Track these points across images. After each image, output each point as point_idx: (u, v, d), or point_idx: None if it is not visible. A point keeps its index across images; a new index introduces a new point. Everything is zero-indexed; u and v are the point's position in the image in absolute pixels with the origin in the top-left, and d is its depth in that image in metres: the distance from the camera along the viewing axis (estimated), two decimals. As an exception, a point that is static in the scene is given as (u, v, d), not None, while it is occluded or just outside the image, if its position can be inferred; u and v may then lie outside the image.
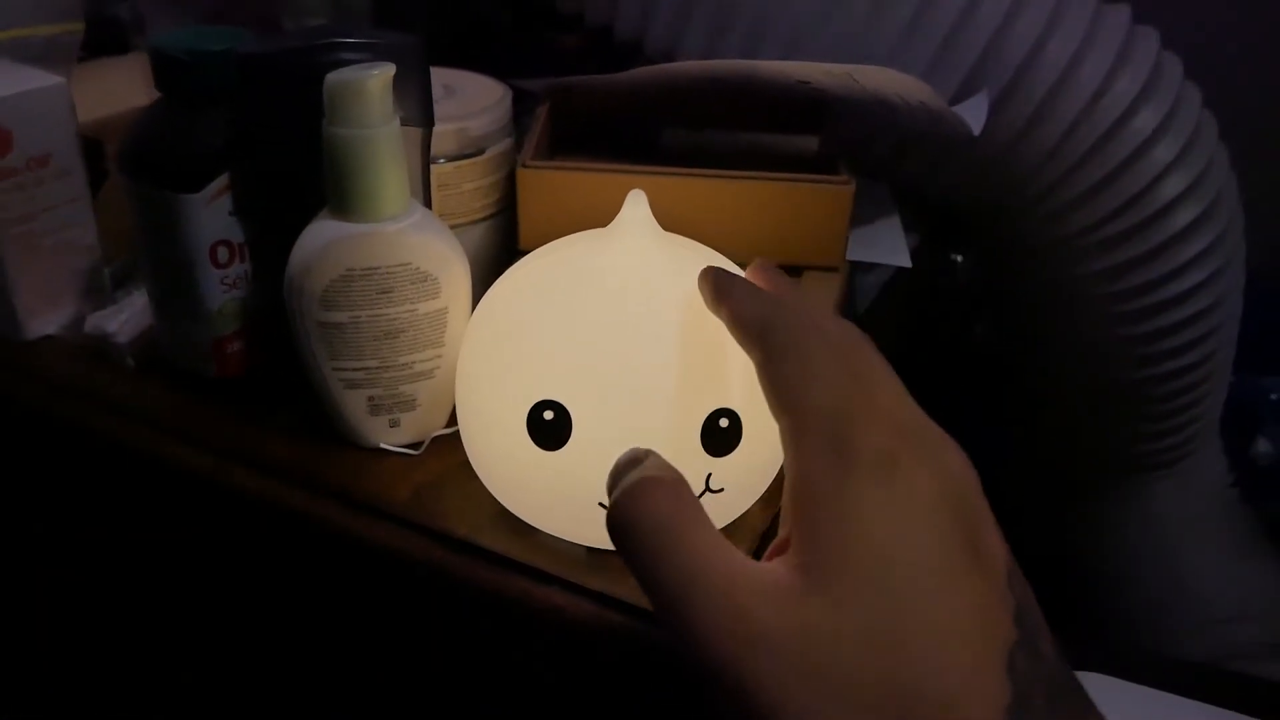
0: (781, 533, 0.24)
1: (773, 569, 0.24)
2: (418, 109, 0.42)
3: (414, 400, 0.44)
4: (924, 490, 0.23)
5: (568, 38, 0.87)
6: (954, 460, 0.25)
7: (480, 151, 0.49)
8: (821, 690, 0.22)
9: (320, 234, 0.39)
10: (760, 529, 0.41)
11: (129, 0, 0.63)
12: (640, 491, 0.25)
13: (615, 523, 0.26)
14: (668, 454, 0.35)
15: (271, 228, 0.43)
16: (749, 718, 0.22)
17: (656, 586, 0.24)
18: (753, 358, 0.28)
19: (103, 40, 0.61)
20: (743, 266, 0.37)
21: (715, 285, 0.31)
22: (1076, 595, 0.81)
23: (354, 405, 0.43)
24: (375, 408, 0.43)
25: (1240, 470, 0.80)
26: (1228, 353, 0.70)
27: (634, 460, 0.27)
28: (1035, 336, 0.72)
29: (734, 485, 0.37)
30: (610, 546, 0.30)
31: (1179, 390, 0.69)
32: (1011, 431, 0.85)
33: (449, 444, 0.43)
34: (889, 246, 0.52)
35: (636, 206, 0.39)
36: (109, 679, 0.65)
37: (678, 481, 0.26)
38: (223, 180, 0.43)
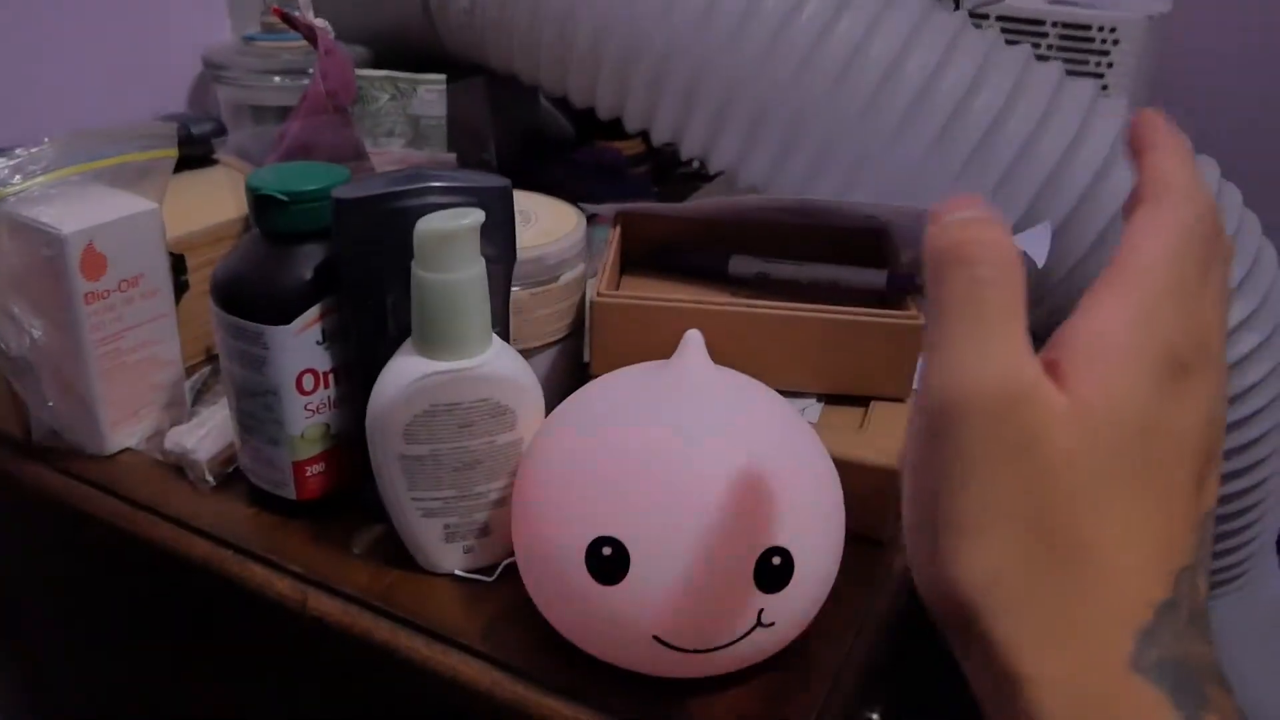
0: (1050, 354, 0.24)
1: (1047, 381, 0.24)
2: (502, 246, 0.44)
3: (488, 527, 0.44)
4: (1193, 409, 0.24)
5: (626, 145, 0.89)
6: (1223, 402, 0.26)
7: (555, 279, 0.51)
8: (1013, 486, 0.23)
9: (405, 371, 0.40)
10: (832, 669, 0.41)
11: (214, 119, 0.65)
12: (988, 238, 0.24)
13: (949, 252, 0.24)
14: (722, 591, 0.36)
15: (358, 359, 0.45)
16: (938, 469, 0.23)
17: (957, 321, 0.23)
18: (1141, 189, 0.26)
19: (188, 156, 0.63)
20: (805, 396, 0.38)
21: (1149, 132, 0.27)
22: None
23: (430, 532, 0.44)
24: (450, 535, 0.44)
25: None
26: (1284, 472, 0.70)
27: (972, 203, 0.25)
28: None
29: (784, 620, 0.38)
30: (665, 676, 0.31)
31: (1235, 513, 0.69)
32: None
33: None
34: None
35: (692, 345, 0.40)
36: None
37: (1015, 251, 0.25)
38: (313, 312, 0.44)
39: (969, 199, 0.25)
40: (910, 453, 0.25)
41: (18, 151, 0.48)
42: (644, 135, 0.92)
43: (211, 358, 0.59)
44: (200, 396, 0.56)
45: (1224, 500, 0.67)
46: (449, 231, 0.38)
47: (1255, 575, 0.75)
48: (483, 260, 0.40)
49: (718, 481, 0.36)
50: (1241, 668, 0.75)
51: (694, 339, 0.39)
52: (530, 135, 0.82)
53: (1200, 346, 0.24)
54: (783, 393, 0.42)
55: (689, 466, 0.36)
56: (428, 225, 0.38)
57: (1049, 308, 0.61)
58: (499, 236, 0.43)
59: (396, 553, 0.46)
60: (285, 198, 0.43)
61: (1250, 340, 0.60)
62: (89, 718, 0.66)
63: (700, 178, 0.91)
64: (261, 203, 0.43)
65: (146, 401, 0.53)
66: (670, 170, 0.91)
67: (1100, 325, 0.24)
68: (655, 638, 0.36)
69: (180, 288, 0.57)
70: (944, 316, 0.24)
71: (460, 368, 0.40)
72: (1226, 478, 0.65)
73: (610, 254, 0.52)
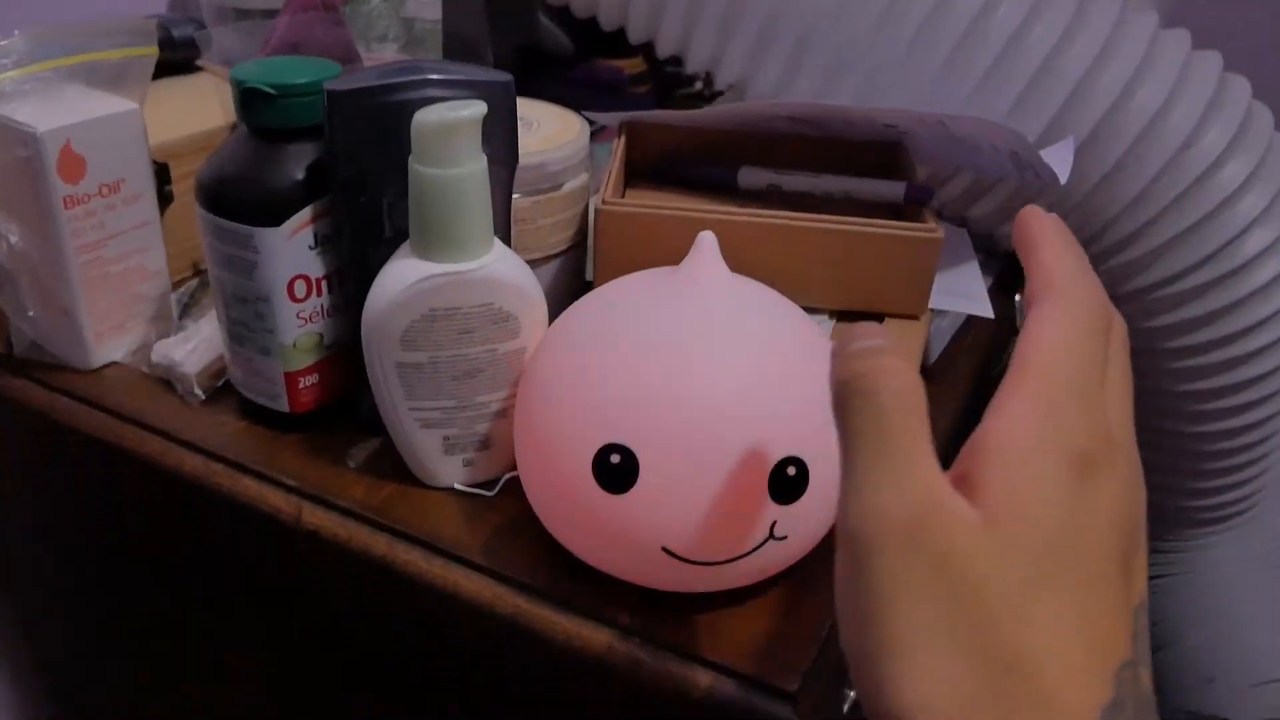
0: (960, 468, 0.25)
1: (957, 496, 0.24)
2: (504, 147, 0.42)
3: (489, 440, 0.43)
4: (1106, 505, 0.24)
5: (627, 64, 0.86)
6: (1139, 489, 0.26)
7: (558, 187, 0.48)
8: (936, 609, 0.23)
9: (402, 273, 0.39)
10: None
11: (198, 21, 0.62)
12: (887, 366, 0.25)
13: (850, 384, 0.25)
14: (734, 501, 0.34)
15: (352, 263, 0.43)
16: (862, 596, 0.23)
17: (863, 451, 0.24)
18: (1031, 289, 0.27)
19: (171, 61, 0.60)
20: (817, 313, 0.36)
21: (1032, 231, 0.29)
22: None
23: (429, 445, 0.42)
24: (450, 447, 0.42)
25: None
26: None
27: (872, 333, 0.26)
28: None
29: (796, 533, 0.36)
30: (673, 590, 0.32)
31: (1240, 447, 0.68)
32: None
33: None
34: (970, 294, 0.50)
35: (706, 247, 0.38)
36: (158, 712, 0.64)
37: (916, 376, 0.25)
38: (304, 214, 0.42)
39: (869, 328, 0.26)
40: (838, 577, 0.25)
41: (-11, 43, 0.46)
42: (646, 53, 0.90)
43: (199, 272, 0.57)
44: (188, 310, 0.54)
45: (1224, 436, 0.66)
46: (450, 122, 0.36)
47: (1259, 513, 0.74)
48: (484, 156, 0.38)
49: (731, 388, 0.34)
50: (1248, 601, 0.75)
51: (708, 240, 0.37)
52: (528, 50, 0.79)
53: (1106, 440, 0.24)
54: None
55: (702, 372, 0.34)
56: (427, 116, 0.36)
57: (1072, 228, 0.59)
58: (500, 135, 0.41)
59: (394, 467, 0.44)
60: (273, 91, 0.41)
61: (1272, 268, 0.58)
62: (77, 641, 0.65)
63: (703, 98, 0.88)
64: (248, 97, 0.41)
65: (132, 314, 0.51)
66: (672, 90, 0.88)
67: (1005, 431, 0.24)
68: (664, 549, 0.35)
69: (165, 198, 0.54)
70: (851, 446, 0.24)
71: (460, 270, 0.38)
72: (1240, 409, 0.64)
73: (615, 163, 0.50)
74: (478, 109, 0.36)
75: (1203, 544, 0.73)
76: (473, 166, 0.37)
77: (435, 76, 0.40)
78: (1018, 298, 0.78)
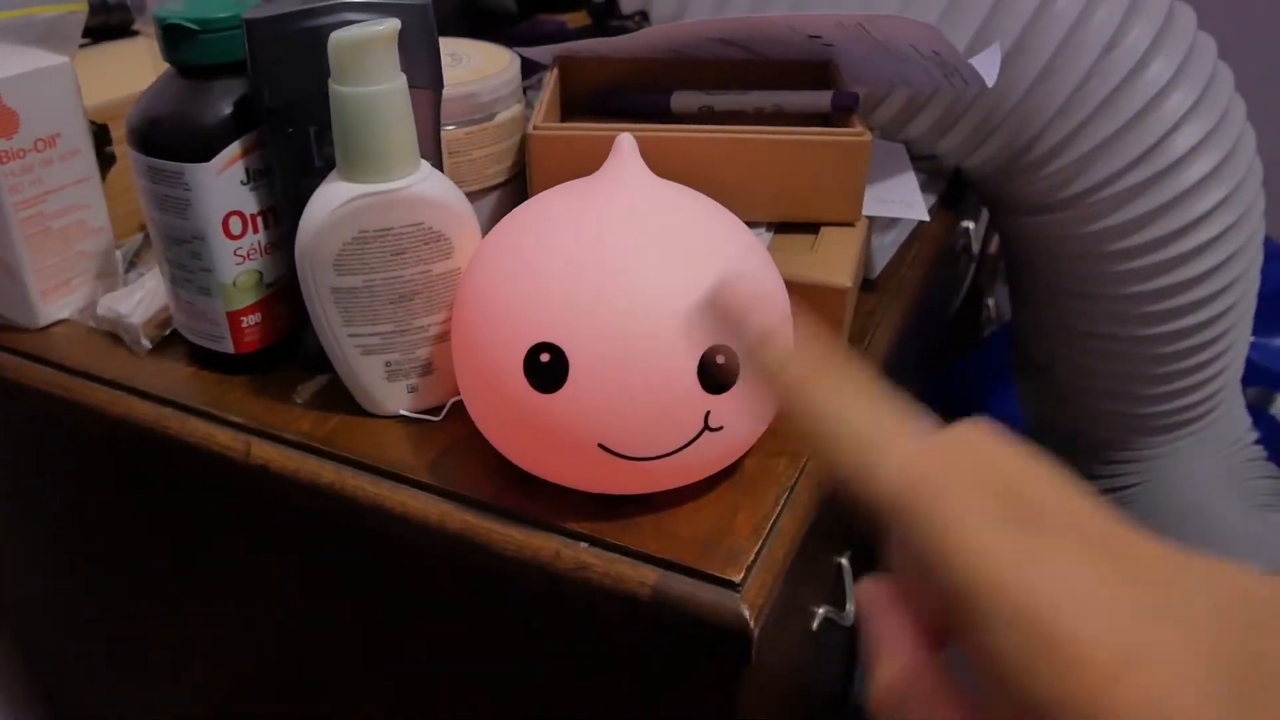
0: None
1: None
2: (427, 71, 0.42)
3: (431, 365, 0.43)
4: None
5: (570, 18, 0.87)
6: None
7: (490, 117, 0.49)
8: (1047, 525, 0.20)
9: (330, 196, 0.39)
10: (787, 483, 0.41)
11: (131, -14, 0.62)
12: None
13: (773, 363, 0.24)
14: (665, 392, 0.35)
15: (285, 196, 0.43)
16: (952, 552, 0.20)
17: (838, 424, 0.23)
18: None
19: (107, 25, 0.60)
20: (756, 225, 0.37)
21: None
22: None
23: (371, 372, 0.43)
24: (392, 373, 0.43)
25: (1263, 429, 0.79)
26: (1245, 310, 0.69)
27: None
28: (1045, 296, 0.71)
29: (733, 423, 0.37)
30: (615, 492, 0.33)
31: (1193, 349, 0.68)
32: (1025, 394, 0.85)
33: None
34: (906, 200, 0.51)
35: (625, 148, 0.38)
36: (126, 663, 0.64)
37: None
38: (234, 149, 0.42)
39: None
40: (903, 557, 0.22)
41: (-88, 2, 0.46)
42: (589, 6, 0.90)
43: (145, 230, 0.58)
44: (133, 266, 0.54)
45: (1176, 337, 0.67)
46: (364, 37, 0.36)
47: (1218, 417, 0.75)
48: (403, 75, 0.38)
49: (655, 279, 0.35)
50: (1205, 510, 0.76)
51: (626, 142, 0.38)
52: (472, 6, 0.79)
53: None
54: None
55: (625, 265, 0.35)
56: (342, 34, 0.36)
57: (1002, 139, 0.60)
58: (421, 57, 0.41)
59: (340, 399, 0.45)
60: (195, 26, 0.41)
61: (1204, 165, 0.59)
62: (41, 598, 0.65)
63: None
64: (171, 33, 0.41)
65: (77, 270, 0.51)
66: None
67: None
68: (600, 445, 0.36)
69: (106, 159, 0.55)
70: (823, 428, 0.23)
71: (388, 188, 0.39)
72: (1187, 309, 0.65)
73: (547, 92, 0.51)
74: (392, 24, 0.37)
75: (1166, 450, 0.74)
76: (391, 84, 0.38)
77: (353, 0, 0.40)
78: (969, 224, 0.79)
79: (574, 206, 0.37)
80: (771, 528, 0.39)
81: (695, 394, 0.35)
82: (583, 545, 0.38)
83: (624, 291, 0.35)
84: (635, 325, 0.34)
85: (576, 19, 0.88)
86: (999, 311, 1.29)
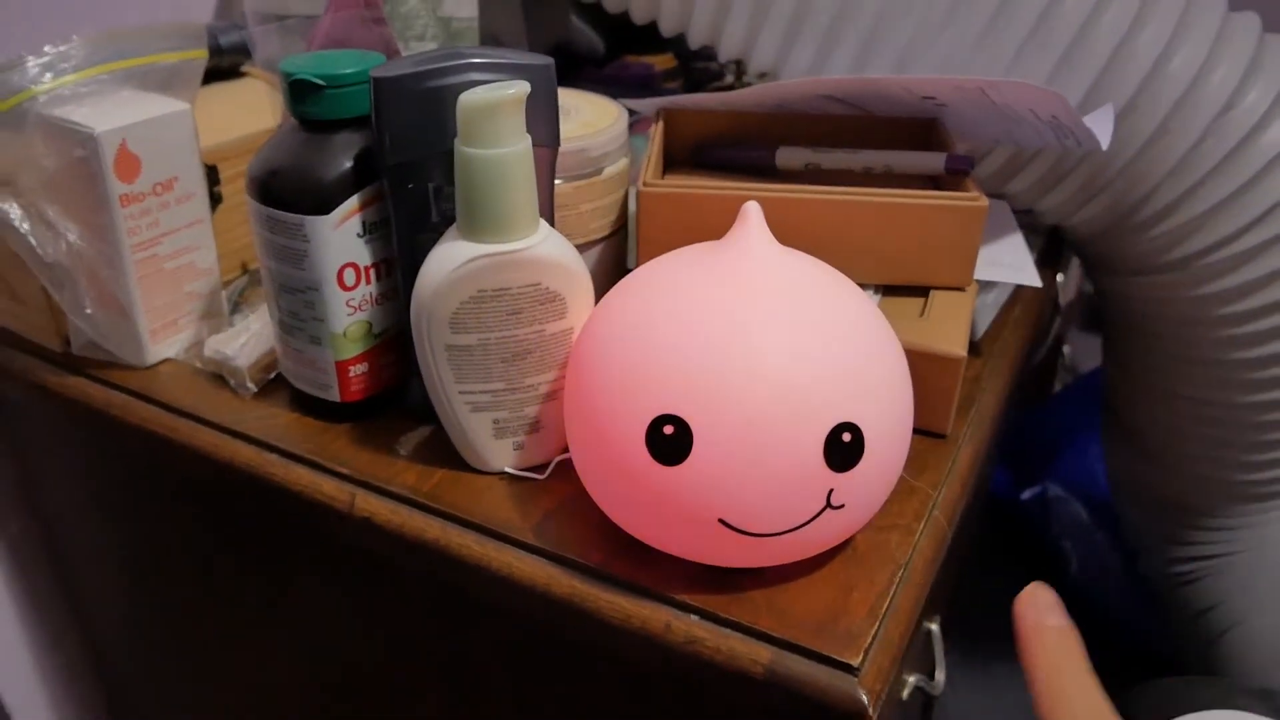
0: None
1: None
2: (546, 129, 0.42)
3: (539, 423, 0.43)
4: None
5: (657, 60, 0.87)
6: None
7: (599, 171, 0.49)
8: None
9: (450, 255, 0.39)
10: (901, 559, 0.40)
11: (238, 28, 0.63)
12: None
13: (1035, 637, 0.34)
14: (790, 468, 0.34)
15: (401, 250, 0.43)
16: None
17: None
18: None
19: (218, 68, 0.61)
20: (867, 288, 0.36)
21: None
22: (1189, 632, 0.77)
23: (479, 429, 0.43)
24: (500, 430, 0.43)
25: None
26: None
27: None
28: (1143, 357, 0.70)
29: (854, 501, 0.36)
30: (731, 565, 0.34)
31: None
32: (1114, 455, 0.82)
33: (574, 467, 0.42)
34: (1016, 265, 0.50)
35: (752, 217, 0.38)
36: (204, 703, 0.65)
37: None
38: (352, 203, 0.42)
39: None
40: None
41: (46, 49, 0.47)
42: (677, 49, 0.90)
43: (248, 271, 0.58)
44: (238, 307, 0.55)
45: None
46: (494, 101, 0.36)
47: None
48: (528, 136, 0.38)
49: (783, 354, 0.34)
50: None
51: (753, 210, 0.37)
52: (561, 48, 0.80)
53: None
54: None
55: (753, 338, 0.34)
56: (472, 96, 0.37)
57: (1110, 199, 0.59)
58: (542, 117, 0.41)
59: (444, 453, 0.44)
60: (321, 81, 0.41)
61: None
62: (133, 633, 0.66)
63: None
64: (297, 88, 0.42)
65: (185, 310, 0.52)
66: (703, 85, 0.89)
67: None
68: (721, 520, 0.35)
69: (214, 199, 0.56)
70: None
71: (508, 250, 0.39)
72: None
73: (654, 147, 0.50)
74: (521, 87, 0.37)
75: (1262, 520, 0.72)
76: (517, 146, 0.38)
77: (477, 60, 0.40)
78: (1059, 276, 0.77)
79: (700, 274, 0.37)
80: (887, 608, 0.38)
81: (820, 471, 0.35)
82: (694, 618, 0.38)
83: (751, 365, 0.34)
84: (761, 400, 0.34)
85: (662, 61, 0.88)
86: (1074, 361, 1.27)
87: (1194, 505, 0.74)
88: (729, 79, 0.89)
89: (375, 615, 0.49)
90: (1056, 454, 1.04)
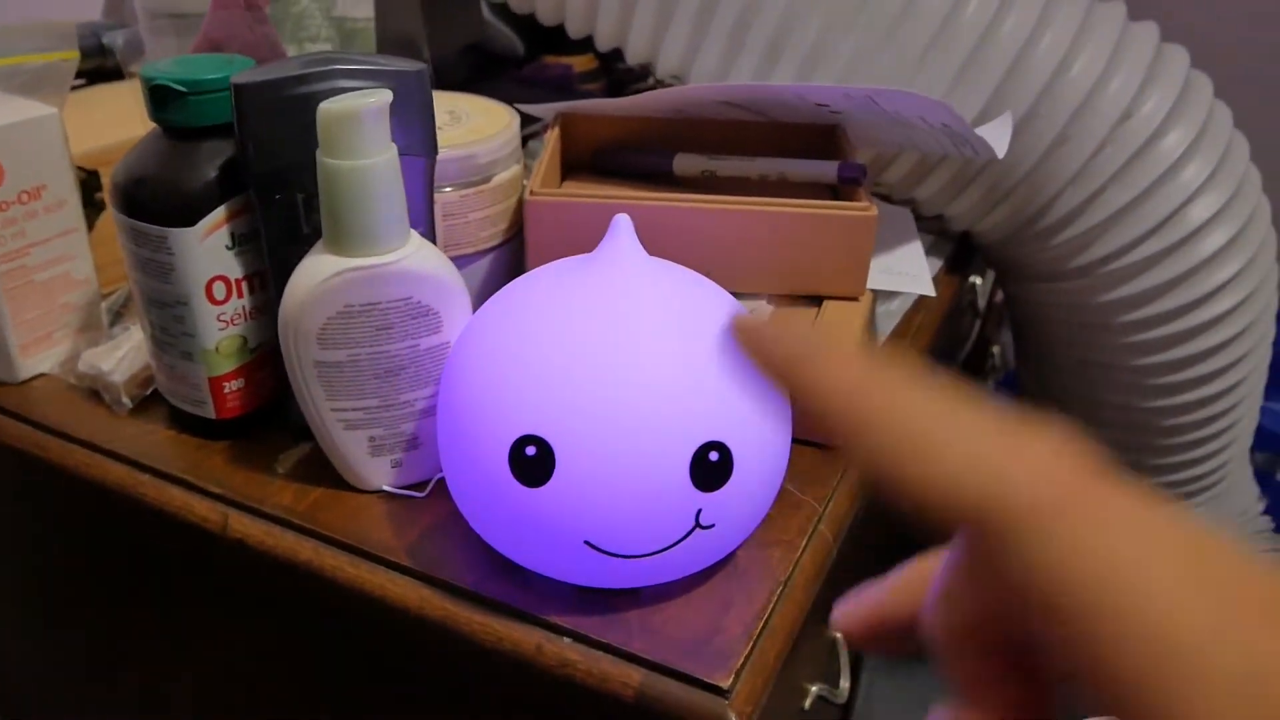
0: None
1: None
2: (421, 137, 0.41)
3: (417, 440, 0.42)
4: None
5: (577, 61, 0.86)
6: None
7: (487, 179, 0.48)
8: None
9: (316, 269, 0.38)
10: (781, 576, 0.39)
11: (126, 27, 0.61)
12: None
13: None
14: (654, 489, 0.33)
15: (271, 263, 0.42)
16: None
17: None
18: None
19: (99, 69, 0.59)
20: (756, 298, 0.35)
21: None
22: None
23: (354, 447, 0.41)
24: (376, 448, 0.42)
25: (1270, 494, 0.78)
26: (1258, 381, 0.68)
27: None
28: (1050, 360, 0.70)
29: (725, 521, 0.35)
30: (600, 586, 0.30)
31: (1205, 420, 0.67)
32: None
33: (453, 487, 0.41)
34: (913, 274, 0.50)
35: (622, 232, 0.37)
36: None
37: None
38: (219, 214, 0.41)
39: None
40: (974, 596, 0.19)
41: (-104, 50, 0.44)
42: (597, 50, 0.89)
43: (133, 280, 0.56)
44: (119, 319, 0.53)
45: (1187, 409, 0.66)
46: (353, 111, 0.35)
47: (1228, 486, 0.74)
48: (394, 146, 0.37)
49: (647, 372, 0.33)
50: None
51: (622, 222, 0.36)
52: (472, 49, 0.78)
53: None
54: (732, 294, 0.39)
55: (616, 357, 0.34)
56: (331, 105, 0.35)
57: (1013, 206, 0.59)
58: (415, 124, 0.40)
59: (323, 471, 0.43)
60: (183, 88, 0.40)
61: (1220, 236, 0.58)
62: (11, 642, 0.64)
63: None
64: (158, 94, 0.40)
65: (59, 323, 0.50)
66: (624, 88, 0.88)
67: None
68: (586, 542, 0.34)
69: (95, 205, 0.53)
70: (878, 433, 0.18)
71: (375, 264, 0.37)
72: (1199, 381, 0.64)
73: (546, 154, 0.49)
74: (383, 97, 0.36)
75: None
76: (381, 156, 0.36)
77: (344, 67, 0.39)
78: (977, 280, 0.77)
79: (566, 289, 0.36)
80: (764, 627, 0.37)
81: (686, 491, 0.34)
82: (566, 641, 0.37)
83: (614, 384, 0.33)
84: (625, 420, 0.33)
85: (583, 62, 0.87)
86: (1004, 360, 1.28)
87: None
88: (651, 80, 0.88)
89: (259, 636, 0.47)
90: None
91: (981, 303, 0.90)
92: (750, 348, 0.21)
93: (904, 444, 0.17)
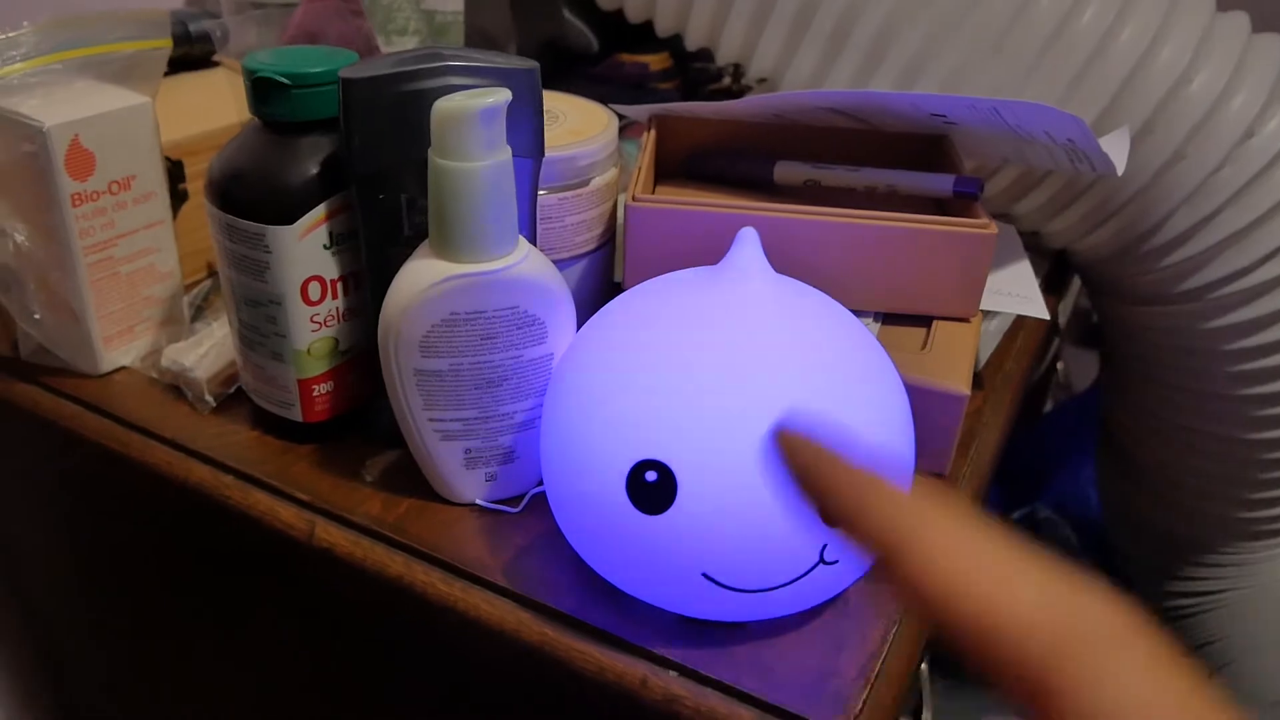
0: None
1: None
2: (530, 139, 0.39)
3: (514, 453, 0.40)
4: None
5: (653, 59, 0.84)
6: None
7: (586, 182, 0.46)
8: None
9: (421, 274, 0.36)
10: (894, 614, 0.37)
11: (215, 15, 0.60)
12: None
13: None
14: (779, 523, 0.31)
15: (369, 264, 0.40)
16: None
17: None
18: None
19: (188, 56, 0.58)
20: (862, 315, 0.33)
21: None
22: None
23: (449, 458, 0.40)
24: (471, 461, 0.40)
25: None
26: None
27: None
28: (1144, 386, 0.67)
29: (848, 557, 0.33)
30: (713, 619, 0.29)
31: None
32: (1107, 479, 0.80)
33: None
34: (1023, 295, 0.47)
35: (748, 246, 0.35)
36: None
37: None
38: (319, 212, 0.40)
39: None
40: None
41: (-7, 34, 0.43)
42: (673, 48, 0.87)
43: (214, 273, 0.55)
44: (201, 313, 0.52)
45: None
46: (471, 111, 0.33)
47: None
48: (509, 148, 0.35)
49: (778, 397, 0.32)
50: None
51: (749, 236, 0.35)
52: (551, 46, 0.77)
53: None
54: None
55: (745, 379, 0.32)
56: (446, 104, 0.34)
57: (1120, 225, 0.56)
58: (525, 126, 0.39)
59: (412, 480, 0.42)
60: (287, 80, 0.38)
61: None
62: (83, 646, 0.63)
63: (732, 94, 0.85)
64: (260, 87, 0.39)
65: (142, 316, 0.49)
66: (699, 86, 0.86)
67: None
68: (704, 575, 0.32)
69: (179, 196, 0.52)
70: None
71: (484, 271, 0.36)
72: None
73: (644, 158, 0.48)
74: (501, 96, 0.34)
75: (1260, 558, 0.70)
76: (496, 159, 0.35)
77: (457, 64, 0.37)
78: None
79: (689, 304, 0.34)
80: (879, 670, 0.35)
81: (813, 524, 0.32)
82: (673, 674, 0.35)
83: (743, 409, 0.31)
84: (753, 446, 0.31)
85: (658, 60, 0.85)
86: (1069, 379, 1.25)
87: (1191, 539, 0.72)
88: (727, 81, 0.86)
89: (335, 650, 0.46)
90: (1048, 475, 1.02)
91: (1062, 319, 0.88)
92: (793, 464, 0.22)
93: (970, 588, 0.18)
